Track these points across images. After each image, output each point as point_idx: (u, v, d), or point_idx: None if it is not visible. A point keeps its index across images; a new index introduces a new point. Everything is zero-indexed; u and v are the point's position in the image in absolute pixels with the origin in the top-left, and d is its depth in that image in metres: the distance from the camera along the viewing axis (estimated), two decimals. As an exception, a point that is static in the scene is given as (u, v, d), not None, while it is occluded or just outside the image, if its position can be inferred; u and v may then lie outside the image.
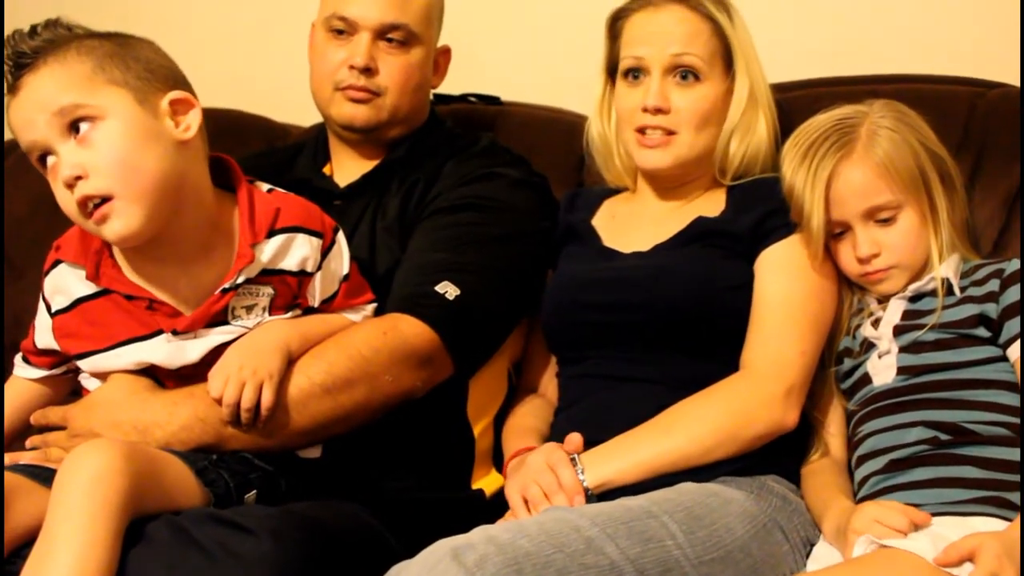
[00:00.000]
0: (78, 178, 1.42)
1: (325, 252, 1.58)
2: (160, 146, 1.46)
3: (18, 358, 1.66)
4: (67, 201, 1.45)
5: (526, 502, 1.51)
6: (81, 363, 1.57)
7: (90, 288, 1.52)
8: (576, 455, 1.54)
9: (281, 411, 1.51)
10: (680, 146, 1.69)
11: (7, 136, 2.51)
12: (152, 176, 1.44)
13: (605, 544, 1.34)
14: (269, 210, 1.54)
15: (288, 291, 1.56)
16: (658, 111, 1.67)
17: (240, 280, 1.52)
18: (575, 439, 1.56)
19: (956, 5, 2.06)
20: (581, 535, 1.34)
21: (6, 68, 1.44)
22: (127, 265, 1.52)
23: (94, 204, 1.43)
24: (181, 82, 1.51)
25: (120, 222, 1.44)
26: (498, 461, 1.75)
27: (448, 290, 1.64)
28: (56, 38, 1.45)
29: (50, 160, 1.45)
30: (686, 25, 1.68)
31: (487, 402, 1.79)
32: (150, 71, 1.48)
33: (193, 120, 1.49)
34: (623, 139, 1.76)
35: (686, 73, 1.68)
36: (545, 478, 1.51)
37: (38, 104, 1.43)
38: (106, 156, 1.43)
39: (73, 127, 1.43)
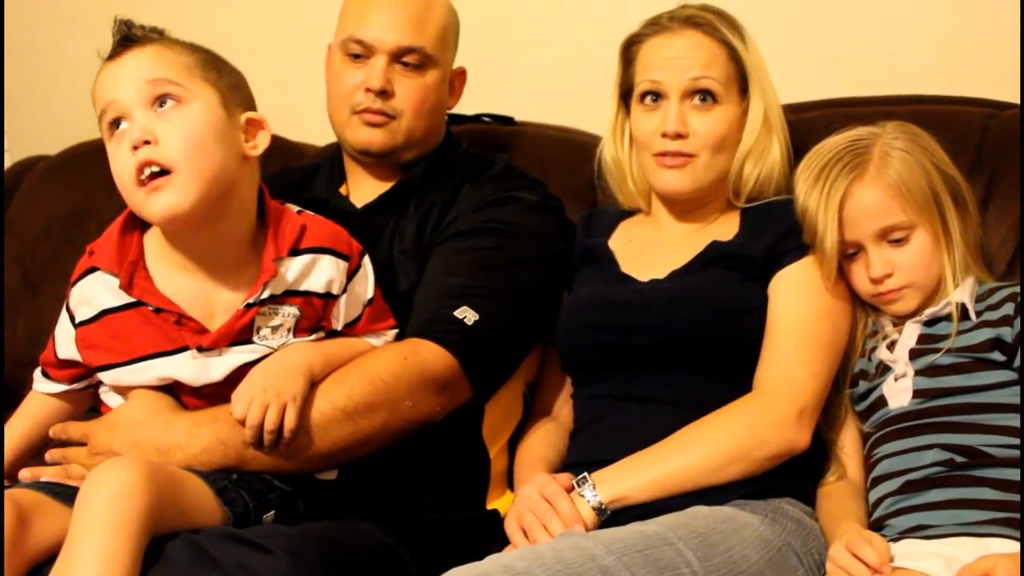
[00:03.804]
0: (146, 143, 1.46)
1: (351, 275, 1.60)
2: (228, 146, 1.51)
3: (37, 372, 1.67)
4: (125, 166, 1.48)
5: (525, 533, 1.53)
6: (103, 376, 1.58)
7: (116, 300, 1.54)
8: (586, 473, 1.56)
9: (302, 435, 1.52)
10: (698, 169, 1.70)
11: (21, 156, 2.56)
12: (215, 165, 1.49)
13: (621, 573, 1.35)
14: (294, 228, 1.56)
15: (313, 313, 1.57)
16: (677, 136, 1.68)
17: (265, 295, 1.53)
18: (563, 479, 1.57)
19: (968, 26, 2.07)
20: (597, 564, 1.35)
21: (114, 38, 1.51)
22: (160, 277, 1.54)
23: (152, 172, 1.46)
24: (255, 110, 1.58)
25: (173, 196, 1.47)
26: (513, 482, 1.76)
27: (467, 315, 1.65)
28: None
29: (122, 125, 1.49)
30: (703, 50, 1.69)
31: (502, 424, 1.80)
32: (237, 88, 1.55)
33: (262, 141, 1.56)
34: (640, 163, 1.77)
35: (704, 97, 1.69)
36: (539, 507, 1.53)
37: (134, 70, 1.50)
38: (180, 131, 1.48)
39: (159, 101, 1.49)
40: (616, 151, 1.81)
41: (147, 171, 1.46)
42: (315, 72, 1.94)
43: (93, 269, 1.56)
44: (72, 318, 1.58)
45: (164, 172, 1.47)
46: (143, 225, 1.56)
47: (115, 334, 1.55)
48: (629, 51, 1.76)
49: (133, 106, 1.48)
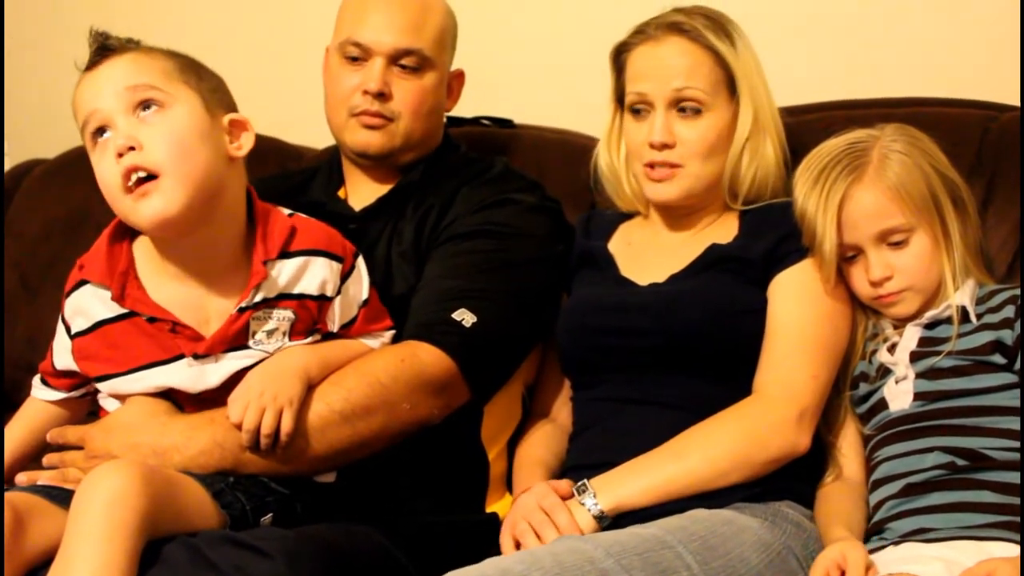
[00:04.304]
0: (131, 148, 1.46)
1: (345, 276, 1.60)
2: (213, 149, 1.51)
3: (36, 379, 1.67)
4: (110, 174, 1.47)
5: (518, 544, 1.52)
6: (101, 386, 1.58)
7: (112, 311, 1.53)
8: (586, 480, 1.55)
9: (299, 438, 1.52)
10: (687, 178, 1.69)
11: (20, 159, 2.56)
12: (202, 167, 1.49)
13: None
14: (283, 229, 1.56)
15: (308, 316, 1.57)
16: (664, 146, 1.68)
17: (258, 299, 1.53)
18: (563, 486, 1.56)
19: (968, 28, 2.07)
20: (596, 567, 1.34)
21: (90, 49, 1.51)
22: (152, 286, 1.53)
23: (139, 178, 1.46)
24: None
25: (161, 201, 1.46)
26: (512, 485, 1.76)
27: (465, 317, 1.65)
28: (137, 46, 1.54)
29: (105, 134, 1.48)
30: (687, 57, 1.68)
31: (501, 426, 1.80)
32: (217, 90, 1.55)
33: (246, 142, 1.55)
34: (633, 170, 1.76)
35: (689, 106, 1.68)
36: (536, 517, 1.52)
37: (113, 78, 1.49)
38: (165, 135, 1.47)
39: (140, 107, 1.48)
40: (611, 158, 1.80)
41: (133, 177, 1.46)
42: (313, 75, 1.94)
43: (84, 282, 1.56)
44: (68, 329, 1.58)
45: (151, 177, 1.46)
46: (132, 234, 1.56)
47: (111, 344, 1.54)
48: (619, 59, 1.75)
49: (115, 113, 1.47)
